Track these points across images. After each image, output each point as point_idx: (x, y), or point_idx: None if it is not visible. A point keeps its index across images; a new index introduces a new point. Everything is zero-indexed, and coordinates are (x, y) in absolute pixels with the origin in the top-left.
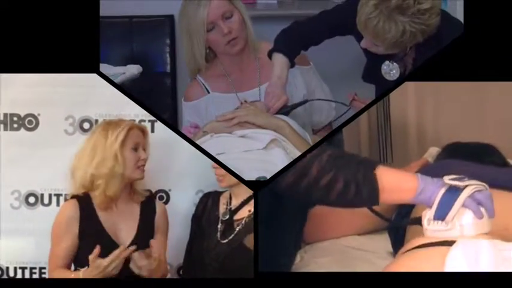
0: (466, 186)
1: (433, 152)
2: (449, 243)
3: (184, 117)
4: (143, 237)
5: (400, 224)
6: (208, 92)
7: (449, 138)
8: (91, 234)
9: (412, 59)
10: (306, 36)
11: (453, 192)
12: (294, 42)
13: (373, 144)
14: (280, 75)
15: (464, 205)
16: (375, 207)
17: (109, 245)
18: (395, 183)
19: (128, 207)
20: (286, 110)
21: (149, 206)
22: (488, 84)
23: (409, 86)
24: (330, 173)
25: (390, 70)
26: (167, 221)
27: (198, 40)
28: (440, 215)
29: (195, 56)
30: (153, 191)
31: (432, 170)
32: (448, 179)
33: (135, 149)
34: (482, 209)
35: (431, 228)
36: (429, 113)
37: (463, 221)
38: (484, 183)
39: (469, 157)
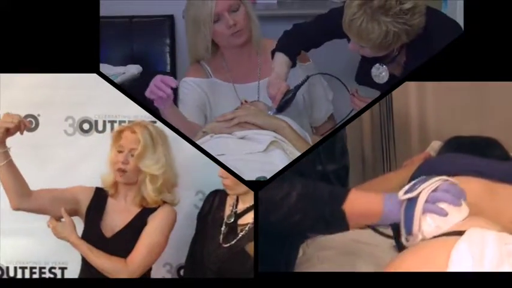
0: (420, 193)
1: (435, 145)
2: (457, 233)
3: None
4: (125, 235)
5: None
6: (211, 76)
7: (451, 132)
8: (93, 218)
9: (403, 62)
10: (305, 39)
11: (411, 204)
12: (295, 43)
13: (376, 138)
14: (279, 73)
15: (424, 212)
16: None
17: (94, 232)
18: (362, 210)
19: (132, 206)
20: (291, 93)
21: (151, 208)
22: (490, 84)
23: (411, 83)
24: (299, 214)
25: (380, 73)
26: (166, 219)
27: (204, 30)
28: (408, 230)
29: (198, 46)
30: None
31: (434, 164)
32: (402, 194)
33: (120, 151)
34: (444, 204)
35: (410, 243)
36: (432, 107)
37: (431, 225)
38: (439, 177)
39: (471, 151)
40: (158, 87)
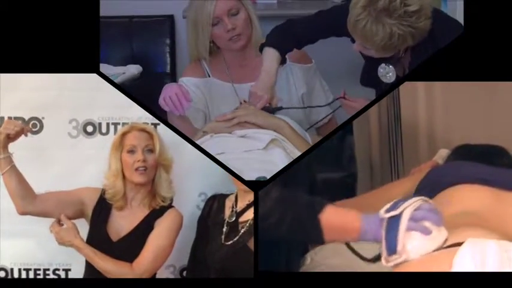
0: (403, 211)
1: (443, 154)
2: (457, 244)
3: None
4: (132, 239)
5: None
6: (209, 76)
7: (459, 140)
8: (97, 221)
9: (408, 62)
10: (300, 34)
11: (393, 222)
12: (287, 38)
13: (384, 146)
14: (268, 70)
15: (408, 230)
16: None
17: (100, 236)
18: (339, 225)
19: (141, 211)
20: (270, 109)
21: (159, 212)
22: (497, 84)
23: (419, 87)
24: (274, 216)
25: (386, 73)
26: (171, 226)
27: (202, 32)
28: (391, 249)
29: (198, 47)
30: None
31: (441, 172)
32: (383, 212)
33: (132, 151)
34: (428, 223)
35: (391, 264)
36: (439, 115)
37: (414, 244)
38: (421, 197)
39: (478, 159)
40: (173, 101)
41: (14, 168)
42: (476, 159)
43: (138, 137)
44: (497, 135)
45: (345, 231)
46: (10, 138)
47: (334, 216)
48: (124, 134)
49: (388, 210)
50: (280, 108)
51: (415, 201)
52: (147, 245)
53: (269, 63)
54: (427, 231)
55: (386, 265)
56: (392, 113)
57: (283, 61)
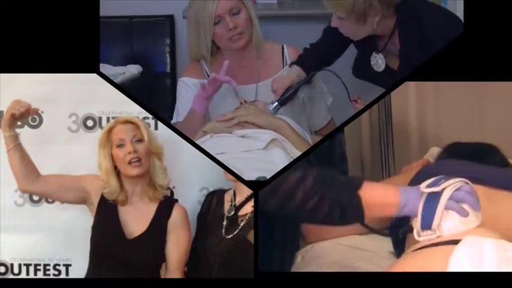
0: (444, 189)
1: (434, 152)
2: (454, 242)
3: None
4: (151, 236)
5: (397, 234)
6: (208, 76)
7: (450, 139)
8: (105, 213)
9: (397, 50)
10: (321, 54)
11: (433, 198)
12: (310, 58)
13: (375, 144)
14: (292, 81)
15: (446, 208)
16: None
17: (117, 234)
18: (378, 200)
19: (145, 204)
20: (293, 88)
21: (166, 207)
22: (489, 84)
23: (410, 86)
24: (315, 197)
25: (377, 61)
26: (184, 225)
27: (204, 32)
28: (426, 224)
29: (199, 46)
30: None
31: (433, 170)
32: (424, 187)
33: (121, 145)
34: (466, 206)
35: (422, 239)
36: (431, 113)
37: (449, 223)
38: (462, 179)
39: (470, 157)
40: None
41: (19, 147)
42: (467, 157)
43: (124, 130)
44: (489, 133)
45: (384, 207)
46: (15, 118)
47: (373, 192)
48: (110, 131)
49: (429, 186)
50: (302, 83)
51: (457, 182)
52: (171, 256)
53: (290, 72)
54: (464, 213)
55: (417, 238)
56: (384, 111)
57: (308, 80)
